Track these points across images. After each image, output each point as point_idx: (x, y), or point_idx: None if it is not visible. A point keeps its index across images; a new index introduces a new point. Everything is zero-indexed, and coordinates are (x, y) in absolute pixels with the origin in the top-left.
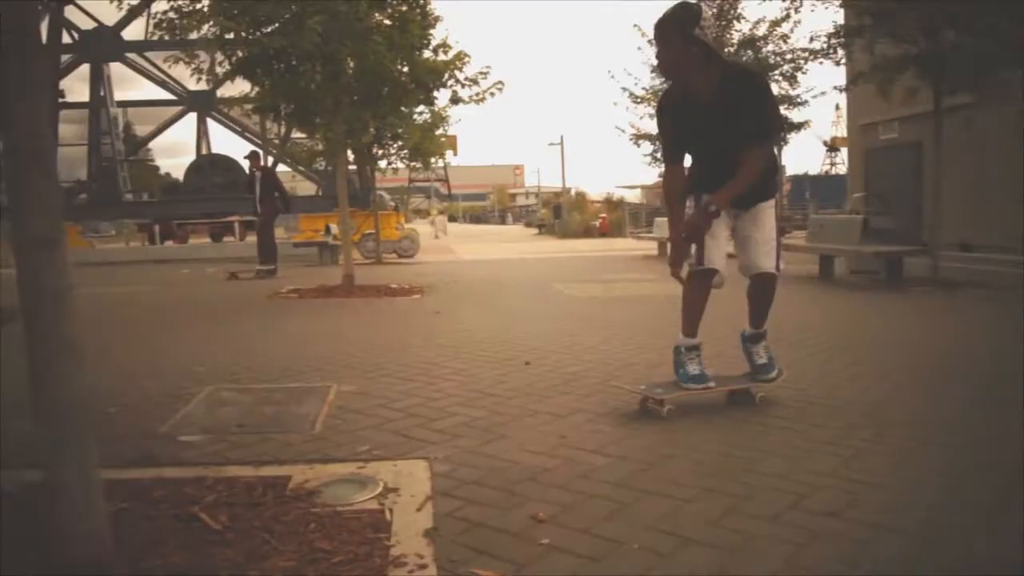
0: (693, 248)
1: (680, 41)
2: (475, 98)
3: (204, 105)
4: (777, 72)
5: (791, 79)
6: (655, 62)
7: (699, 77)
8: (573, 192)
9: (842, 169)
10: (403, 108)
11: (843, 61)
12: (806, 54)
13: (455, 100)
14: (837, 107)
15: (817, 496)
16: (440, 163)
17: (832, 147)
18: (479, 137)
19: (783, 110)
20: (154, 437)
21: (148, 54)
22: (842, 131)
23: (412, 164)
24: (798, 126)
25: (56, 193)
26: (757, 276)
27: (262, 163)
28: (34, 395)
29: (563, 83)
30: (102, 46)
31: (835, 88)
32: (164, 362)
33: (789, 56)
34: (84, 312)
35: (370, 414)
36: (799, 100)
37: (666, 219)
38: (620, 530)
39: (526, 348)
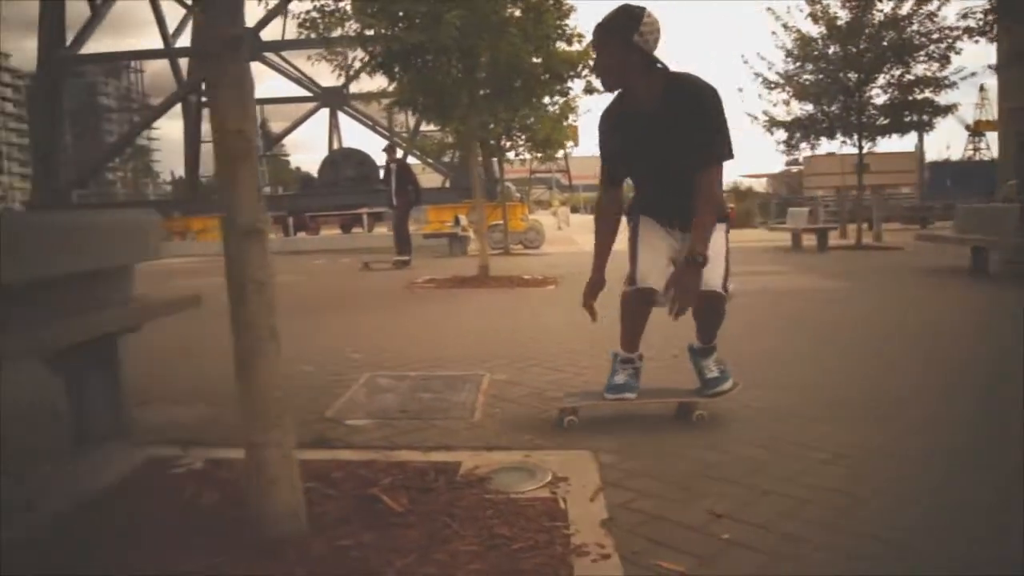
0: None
1: (620, 47)
2: None
3: (336, 101)
4: (923, 53)
5: (943, 59)
6: (596, 69)
7: (640, 84)
8: None
9: (987, 155)
10: (535, 99)
11: (996, 39)
12: (957, 32)
13: (590, 90)
14: (982, 88)
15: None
16: (561, 154)
17: (976, 131)
18: None
19: (929, 93)
20: (322, 421)
21: (281, 52)
22: (987, 115)
23: (538, 155)
24: (945, 110)
25: (259, 186)
26: (703, 295)
27: (397, 156)
28: (239, 378)
29: (687, 69)
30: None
31: (989, 67)
32: (319, 348)
33: (936, 35)
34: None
35: (526, 404)
36: (947, 82)
37: (800, 209)
38: (799, 527)
39: (665, 341)
